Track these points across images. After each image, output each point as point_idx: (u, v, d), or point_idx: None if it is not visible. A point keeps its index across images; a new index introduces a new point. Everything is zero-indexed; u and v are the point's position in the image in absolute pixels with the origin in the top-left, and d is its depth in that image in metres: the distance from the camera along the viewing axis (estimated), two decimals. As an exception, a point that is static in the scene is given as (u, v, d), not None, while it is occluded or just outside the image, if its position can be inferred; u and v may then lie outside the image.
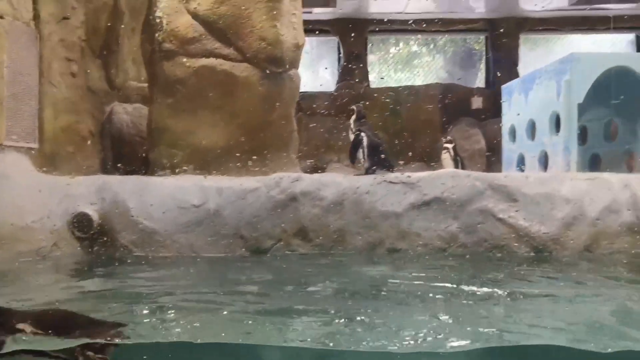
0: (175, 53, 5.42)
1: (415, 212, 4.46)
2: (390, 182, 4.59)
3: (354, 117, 5.11)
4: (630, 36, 11.91)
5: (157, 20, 5.47)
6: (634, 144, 5.82)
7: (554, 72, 5.74)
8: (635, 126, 5.81)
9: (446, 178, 4.57)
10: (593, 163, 6.48)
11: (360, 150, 4.92)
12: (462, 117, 12.14)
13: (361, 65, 12.54)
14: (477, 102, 11.96)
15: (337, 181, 4.67)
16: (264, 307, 2.81)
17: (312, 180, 4.64)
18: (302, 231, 4.49)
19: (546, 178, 4.75)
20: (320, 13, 11.12)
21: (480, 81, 13.08)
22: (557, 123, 5.72)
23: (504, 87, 7.07)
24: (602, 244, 4.43)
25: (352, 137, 5.07)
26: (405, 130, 12.12)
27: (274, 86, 5.58)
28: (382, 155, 4.98)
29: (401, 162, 12.13)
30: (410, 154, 11.97)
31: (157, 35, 5.50)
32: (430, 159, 11.52)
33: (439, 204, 4.47)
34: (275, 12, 5.56)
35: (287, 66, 5.68)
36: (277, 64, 5.57)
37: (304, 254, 4.43)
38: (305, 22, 10.95)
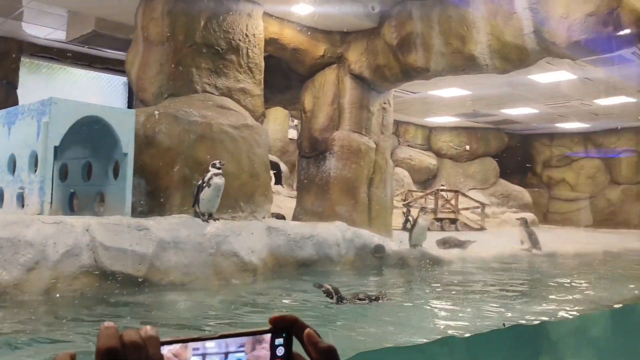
0: None
1: None
2: None
3: None
4: (124, 79, 13.14)
5: None
6: (105, 185, 6.43)
7: (35, 112, 5.81)
8: (107, 169, 6.42)
9: None
10: (71, 200, 6.81)
11: None
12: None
13: None
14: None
15: None
16: None
17: None
18: None
19: (12, 221, 4.73)
20: None
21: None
22: (35, 162, 5.78)
23: (-14, 116, 6.68)
24: (61, 287, 4.70)
25: None
26: None
27: None
28: None
29: None
30: None
31: None
32: None
33: None
34: None
35: None
36: None
37: None
38: None
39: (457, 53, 8.20)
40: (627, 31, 6.30)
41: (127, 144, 6.18)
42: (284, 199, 15.04)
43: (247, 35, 7.86)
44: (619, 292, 6.44)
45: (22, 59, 11.90)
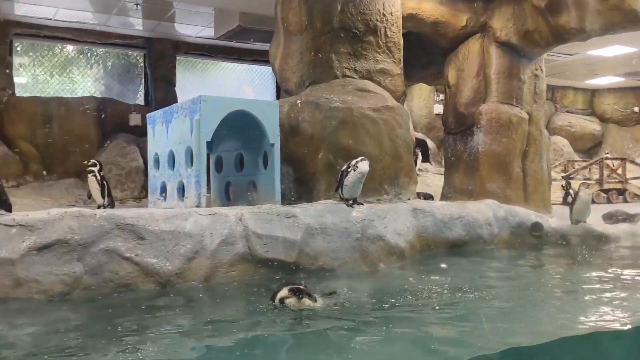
0: None
1: (34, 257, 4.28)
2: (6, 225, 4.31)
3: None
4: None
5: None
6: (257, 175, 6.71)
7: (187, 110, 6.20)
8: (257, 159, 6.69)
9: (70, 219, 4.51)
10: (227, 189, 7.23)
11: (-27, 190, 4.47)
12: (120, 133, 12.03)
13: (5, 70, 11.33)
14: (135, 119, 12.01)
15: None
16: None
17: None
18: None
19: (172, 214, 5.10)
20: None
21: (140, 98, 13.17)
22: (191, 157, 6.18)
23: (148, 116, 7.30)
24: (219, 274, 4.99)
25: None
26: (56, 144, 11.42)
27: None
28: None
29: (54, 177, 11.39)
30: (63, 169, 11.33)
31: None
32: (86, 175, 11.12)
33: (61, 246, 4.38)
34: None
35: None
36: None
37: None
38: None
39: (614, 10, 7.27)
40: None
41: (273, 134, 6.37)
42: (432, 176, 14.69)
43: (384, 15, 7.67)
44: None
45: (177, 57, 12.88)
